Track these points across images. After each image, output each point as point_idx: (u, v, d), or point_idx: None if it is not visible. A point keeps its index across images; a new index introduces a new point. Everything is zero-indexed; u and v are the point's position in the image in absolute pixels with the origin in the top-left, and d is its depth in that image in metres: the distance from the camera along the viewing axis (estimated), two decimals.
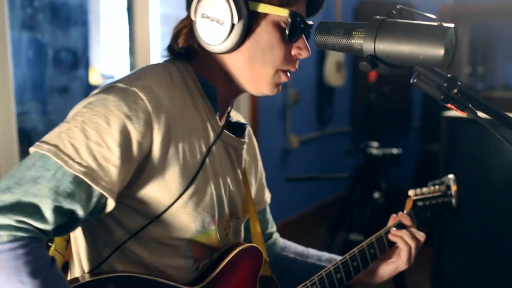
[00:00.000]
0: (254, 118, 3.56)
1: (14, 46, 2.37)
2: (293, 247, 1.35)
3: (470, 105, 0.72)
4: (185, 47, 1.00)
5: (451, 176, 1.37)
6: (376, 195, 2.38)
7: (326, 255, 1.31)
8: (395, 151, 2.37)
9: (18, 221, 0.78)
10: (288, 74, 1.02)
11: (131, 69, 2.82)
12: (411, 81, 0.73)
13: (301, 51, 1.00)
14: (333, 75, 4.29)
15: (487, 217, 2.07)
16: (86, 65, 2.87)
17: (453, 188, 1.35)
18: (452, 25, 0.66)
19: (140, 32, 2.85)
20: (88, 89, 2.86)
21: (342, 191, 4.50)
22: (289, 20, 0.95)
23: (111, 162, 0.84)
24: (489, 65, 5.53)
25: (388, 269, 1.24)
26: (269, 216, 1.33)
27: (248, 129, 1.21)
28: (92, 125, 0.84)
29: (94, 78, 3.02)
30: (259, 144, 1.30)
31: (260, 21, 0.96)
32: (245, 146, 1.12)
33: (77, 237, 0.99)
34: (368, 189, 2.40)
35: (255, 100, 3.63)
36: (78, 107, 0.90)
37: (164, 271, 0.97)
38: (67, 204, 0.82)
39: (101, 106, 0.86)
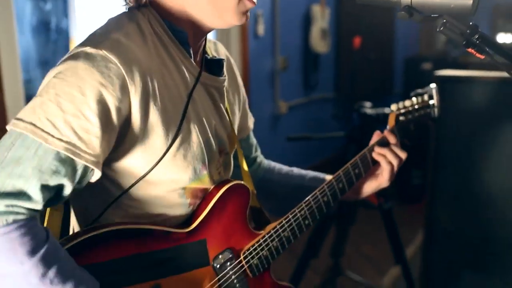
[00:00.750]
0: (244, 85, 3.66)
1: (18, 13, 2.41)
2: (277, 169, 1.36)
3: (487, 49, 0.85)
4: None
5: (433, 85, 1.34)
6: None
7: (310, 173, 1.33)
8: (387, 110, 2.50)
9: (7, 206, 0.78)
10: (254, 0, 0.97)
11: None
12: (437, 30, 0.85)
13: None
14: (319, 42, 4.39)
15: (477, 171, 2.18)
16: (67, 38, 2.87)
17: (436, 97, 1.32)
18: None
19: None
20: None
21: (329, 156, 4.66)
22: None
23: (92, 133, 0.82)
24: None
25: (371, 186, 1.27)
26: (253, 140, 1.33)
27: (228, 61, 1.18)
28: (67, 97, 0.81)
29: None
30: (250, 110, 1.30)
31: None
32: (225, 84, 1.09)
33: (76, 195, 0.98)
34: (363, 146, 2.54)
35: (245, 68, 3.73)
36: (49, 77, 0.86)
37: (161, 217, 0.99)
38: (53, 181, 0.81)
39: (73, 76, 0.82)
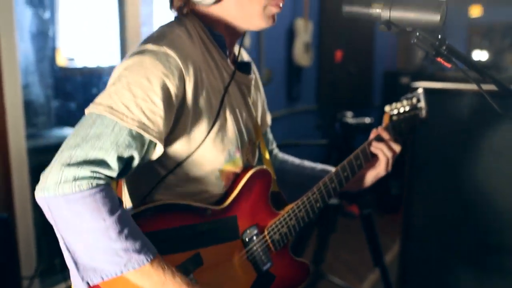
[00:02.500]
0: None
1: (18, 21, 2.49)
2: (290, 161, 1.54)
3: (453, 59, 0.99)
4: (181, 7, 1.13)
5: (420, 90, 1.49)
6: None
7: (319, 165, 1.50)
8: (367, 120, 2.65)
9: (93, 172, 0.94)
10: (280, 5, 1.12)
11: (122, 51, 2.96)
12: (411, 41, 0.99)
13: None
14: (302, 55, 4.54)
15: (452, 179, 2.29)
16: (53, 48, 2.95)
17: (423, 100, 1.47)
18: (444, 0, 0.93)
19: (131, 20, 3.00)
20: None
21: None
22: None
23: (157, 114, 0.99)
24: None
25: (371, 176, 1.43)
26: (270, 135, 1.52)
27: (253, 65, 1.36)
28: (137, 85, 0.98)
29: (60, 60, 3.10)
30: None
31: None
32: (253, 82, 1.28)
33: (130, 176, 1.16)
34: (344, 154, 2.67)
35: None
36: (119, 70, 1.02)
37: (201, 195, 1.16)
38: (126, 153, 0.97)
39: (141, 68, 0.99)
